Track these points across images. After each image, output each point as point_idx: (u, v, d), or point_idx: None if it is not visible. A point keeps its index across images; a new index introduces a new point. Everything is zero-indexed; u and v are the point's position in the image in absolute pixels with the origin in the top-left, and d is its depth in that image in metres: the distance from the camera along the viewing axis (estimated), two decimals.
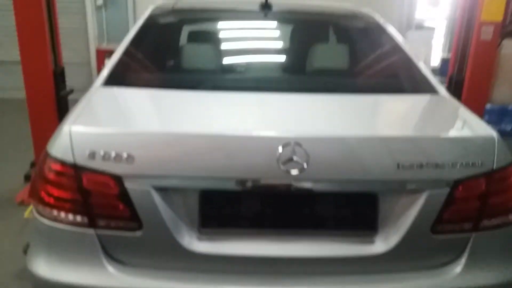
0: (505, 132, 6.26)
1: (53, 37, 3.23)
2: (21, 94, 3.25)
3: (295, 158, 1.27)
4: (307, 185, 1.32)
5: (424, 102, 1.80)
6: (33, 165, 3.47)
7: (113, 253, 1.37)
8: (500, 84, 3.91)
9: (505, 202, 1.43)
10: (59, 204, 1.35)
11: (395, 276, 1.40)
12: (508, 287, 1.45)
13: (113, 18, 7.10)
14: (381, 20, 2.34)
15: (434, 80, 1.90)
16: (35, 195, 1.39)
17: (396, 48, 2.12)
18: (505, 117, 6.24)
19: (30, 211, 3.10)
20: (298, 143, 1.29)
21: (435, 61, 7.37)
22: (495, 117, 6.22)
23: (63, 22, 7.08)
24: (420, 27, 7.88)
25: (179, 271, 1.37)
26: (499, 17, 3.50)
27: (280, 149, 1.28)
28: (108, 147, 1.30)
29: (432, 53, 7.39)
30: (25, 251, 1.58)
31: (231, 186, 1.32)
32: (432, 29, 7.62)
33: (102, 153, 1.29)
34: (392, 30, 2.25)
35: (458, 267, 1.41)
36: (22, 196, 3.32)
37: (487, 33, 3.53)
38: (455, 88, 3.82)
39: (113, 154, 1.29)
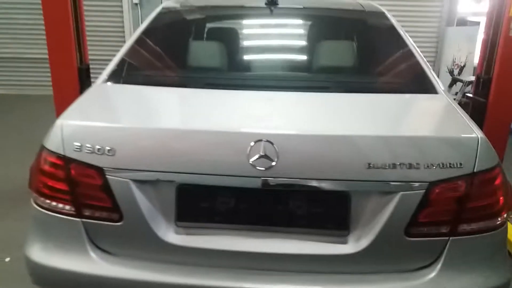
0: None
1: (78, 36, 3.41)
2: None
3: (264, 154, 1.30)
4: (276, 182, 1.34)
5: (416, 102, 1.77)
6: None
7: (97, 242, 1.45)
8: None
9: (486, 206, 1.39)
10: (51, 193, 1.45)
11: (366, 277, 1.39)
12: None
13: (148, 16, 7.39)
14: (389, 16, 2.30)
15: (435, 80, 1.85)
16: (32, 185, 1.51)
17: (401, 47, 2.08)
18: None
19: None
20: (269, 140, 1.32)
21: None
22: None
23: (102, 21, 7.44)
24: (463, 23, 7.54)
25: (157, 262, 1.43)
26: None
27: (250, 146, 1.32)
28: (92, 141, 1.38)
29: (475, 49, 7.05)
30: None
31: (205, 181, 1.37)
32: (476, 24, 7.25)
33: (87, 146, 1.38)
34: (399, 27, 2.21)
35: (432, 272, 1.39)
36: None
37: None
38: (483, 89, 3.66)
39: (97, 147, 1.38)
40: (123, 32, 7.44)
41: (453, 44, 7.50)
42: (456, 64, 6.70)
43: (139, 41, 2.10)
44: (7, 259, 2.46)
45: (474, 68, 6.63)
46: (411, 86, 1.92)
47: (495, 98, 3.52)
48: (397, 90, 1.87)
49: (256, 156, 1.31)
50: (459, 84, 5.79)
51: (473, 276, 1.40)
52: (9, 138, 4.70)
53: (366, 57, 2.25)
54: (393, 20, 2.27)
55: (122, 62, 1.97)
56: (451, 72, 6.44)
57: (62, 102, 3.34)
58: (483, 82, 3.68)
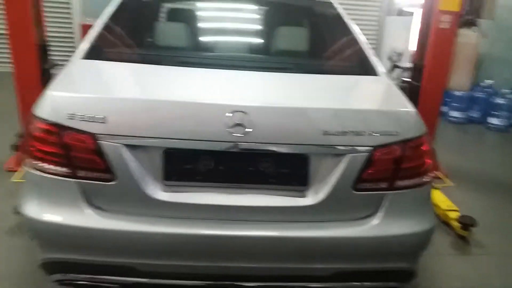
0: (473, 118, 6.56)
1: (37, 14, 3.42)
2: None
3: (239, 123, 1.55)
4: (249, 146, 1.59)
5: (362, 82, 2.10)
6: (20, 135, 3.67)
7: (91, 200, 1.63)
8: (458, 71, 4.21)
9: (417, 166, 1.73)
10: (45, 157, 1.60)
11: (322, 224, 1.69)
12: (417, 237, 1.76)
13: None
14: (336, 6, 2.61)
15: (376, 64, 2.18)
16: (25, 151, 1.65)
17: (348, 35, 2.39)
18: (474, 104, 6.57)
19: (17, 176, 3.35)
20: (243, 111, 1.56)
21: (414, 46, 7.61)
22: (463, 103, 6.53)
23: None
24: (400, 13, 8.14)
25: (146, 216, 1.64)
26: (456, 8, 3.75)
27: (228, 115, 1.55)
28: (84, 110, 1.55)
29: (410, 37, 7.62)
30: (15, 212, 1.80)
31: (189, 145, 1.59)
32: (410, 14, 7.82)
33: (80, 114, 1.55)
34: (346, 16, 2.51)
35: (375, 219, 1.71)
36: (10, 164, 3.57)
37: (445, 22, 3.80)
38: (418, 75, 4.07)
39: (89, 116, 1.54)
40: (71, 10, 7.27)
41: (392, 32, 8.08)
42: (395, 52, 7.22)
43: (110, 21, 2.24)
44: None
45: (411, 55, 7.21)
46: (357, 69, 2.24)
47: (427, 83, 3.97)
48: (346, 72, 2.20)
49: (233, 124, 1.55)
50: (399, 70, 6.29)
51: (407, 221, 1.74)
52: None
53: (319, 43, 2.56)
54: (340, 10, 2.58)
55: (96, 41, 2.10)
56: (390, 59, 6.95)
57: (22, 79, 3.37)
58: (418, 68, 4.13)
